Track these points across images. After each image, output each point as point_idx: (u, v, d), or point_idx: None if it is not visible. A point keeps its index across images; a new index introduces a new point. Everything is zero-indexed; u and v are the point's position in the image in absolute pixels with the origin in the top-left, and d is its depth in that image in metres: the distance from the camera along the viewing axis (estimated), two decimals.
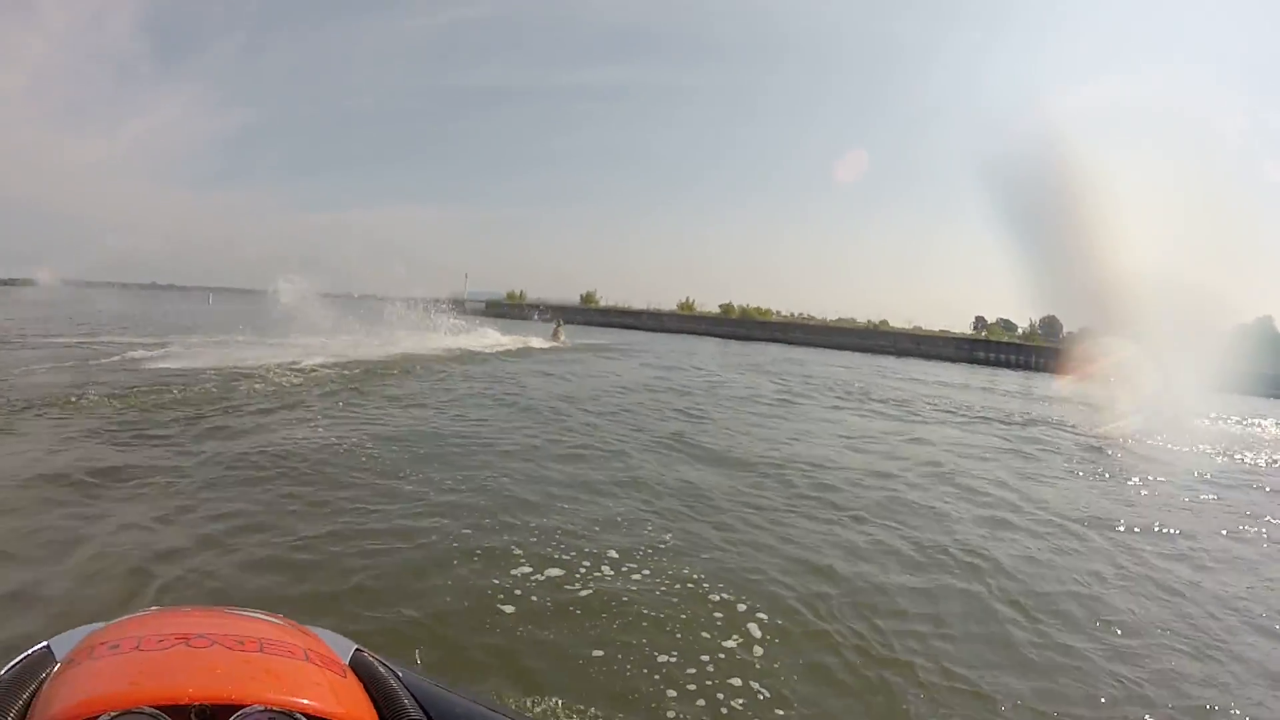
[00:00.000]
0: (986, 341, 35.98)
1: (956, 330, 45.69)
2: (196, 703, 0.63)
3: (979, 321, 65.38)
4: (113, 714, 0.60)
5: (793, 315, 44.52)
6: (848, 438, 7.76)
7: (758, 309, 43.42)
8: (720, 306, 47.26)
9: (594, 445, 6.26)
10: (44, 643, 0.76)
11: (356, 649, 0.82)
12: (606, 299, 46.04)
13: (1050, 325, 44.32)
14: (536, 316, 25.97)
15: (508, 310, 45.72)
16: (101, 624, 0.82)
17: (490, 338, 19.95)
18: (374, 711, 0.71)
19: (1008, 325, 57.36)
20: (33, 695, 0.66)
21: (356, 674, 0.75)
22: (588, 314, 38.86)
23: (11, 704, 0.64)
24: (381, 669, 0.78)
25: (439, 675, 0.82)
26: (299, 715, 0.65)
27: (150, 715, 0.61)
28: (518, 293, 50.99)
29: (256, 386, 8.06)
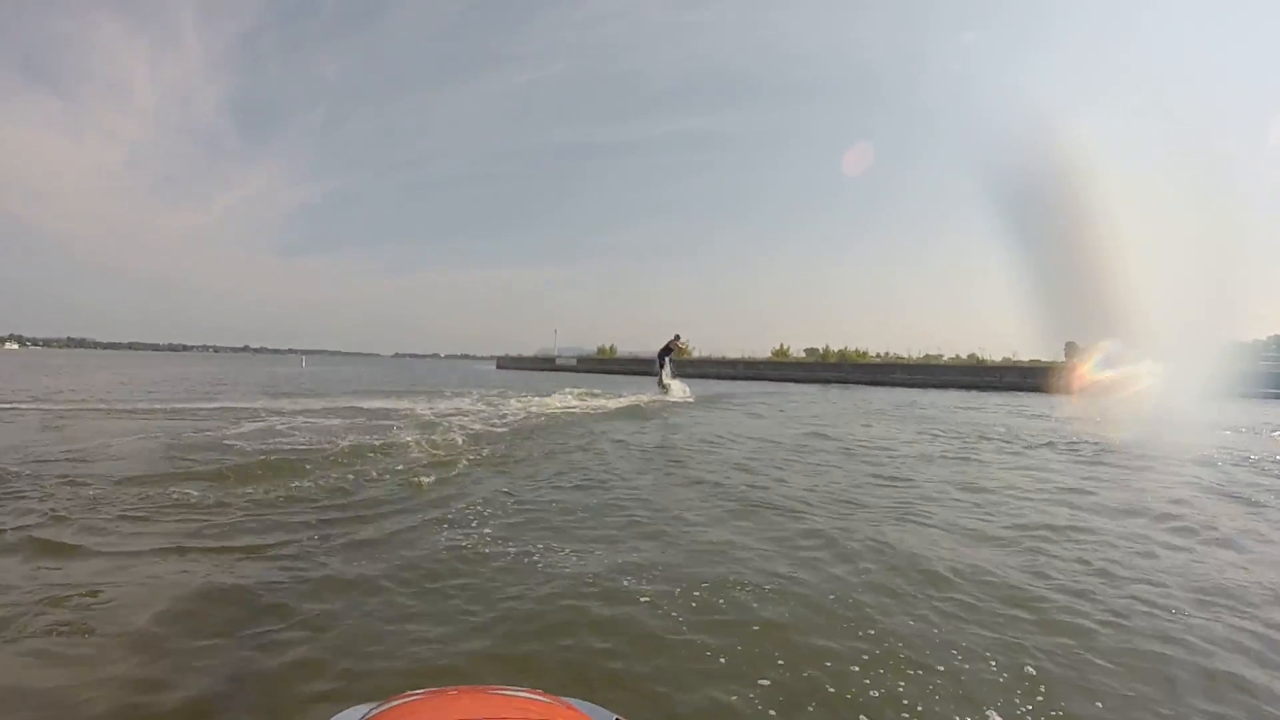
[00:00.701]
0: None
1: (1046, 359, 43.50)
2: None
3: (1070, 348, 62.02)
4: None
5: (885, 355, 43.38)
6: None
7: (855, 351, 42.56)
8: (805, 350, 46.67)
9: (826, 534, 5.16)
10: None
11: (616, 718, 0.84)
12: (699, 350, 46.36)
13: (1071, 350, 41.49)
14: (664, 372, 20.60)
15: (598, 366, 46.33)
16: (370, 706, 0.83)
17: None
18: None
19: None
20: None
21: None
22: (680, 365, 39.00)
23: None
24: None
25: None
26: None
27: None
28: (608, 347, 50.84)
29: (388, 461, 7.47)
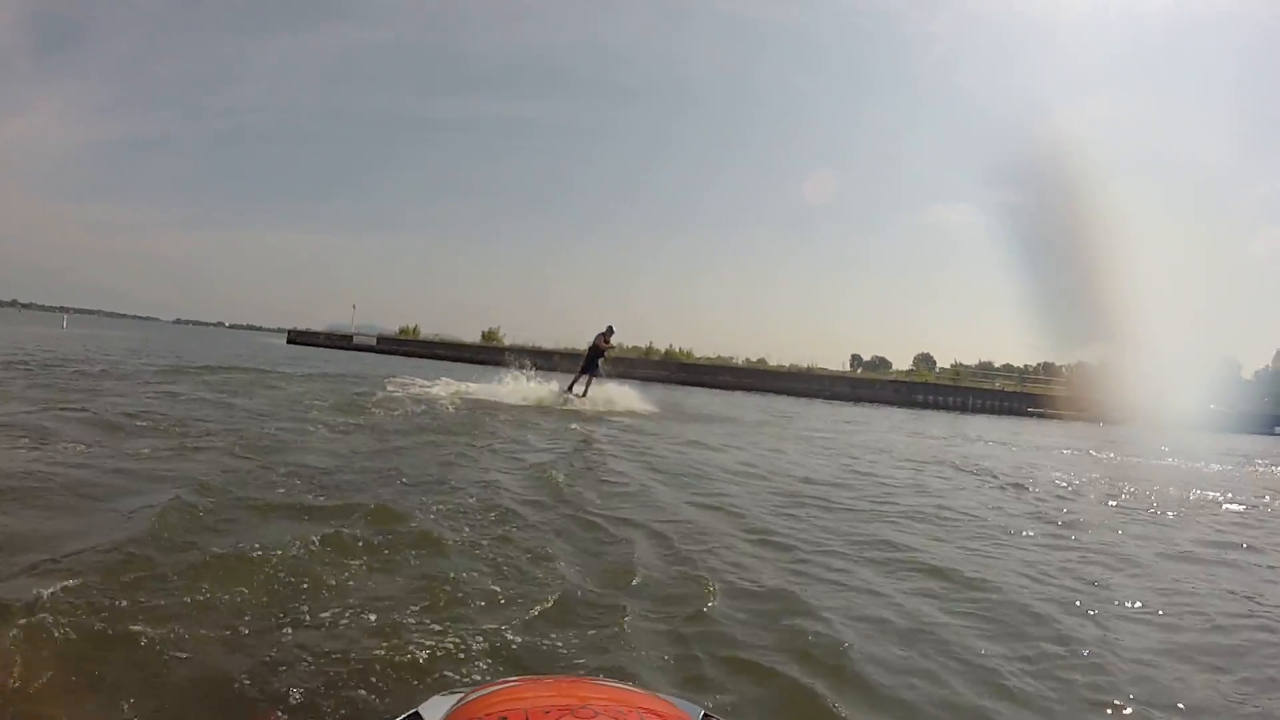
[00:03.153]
0: (925, 384, 34.65)
1: (832, 368, 44.43)
2: None
3: (855, 359, 66.96)
4: None
5: (713, 357, 41.07)
6: None
7: (681, 351, 39.56)
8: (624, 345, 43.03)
9: None
10: (413, 710, 0.76)
11: (705, 713, 0.83)
12: (511, 337, 40.09)
13: (1046, 370, 43.93)
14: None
15: (398, 347, 40.17)
16: (462, 692, 0.80)
17: None
18: None
19: (883, 363, 58.48)
20: None
21: None
22: (489, 353, 32.68)
23: None
24: None
25: None
26: None
27: None
28: (410, 328, 46.03)
29: None
